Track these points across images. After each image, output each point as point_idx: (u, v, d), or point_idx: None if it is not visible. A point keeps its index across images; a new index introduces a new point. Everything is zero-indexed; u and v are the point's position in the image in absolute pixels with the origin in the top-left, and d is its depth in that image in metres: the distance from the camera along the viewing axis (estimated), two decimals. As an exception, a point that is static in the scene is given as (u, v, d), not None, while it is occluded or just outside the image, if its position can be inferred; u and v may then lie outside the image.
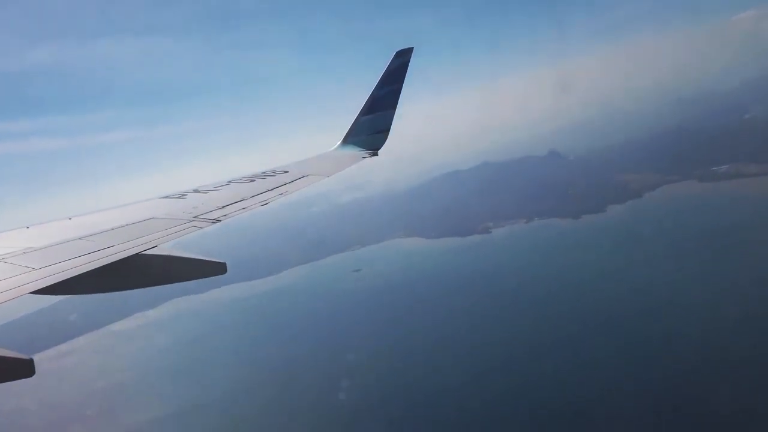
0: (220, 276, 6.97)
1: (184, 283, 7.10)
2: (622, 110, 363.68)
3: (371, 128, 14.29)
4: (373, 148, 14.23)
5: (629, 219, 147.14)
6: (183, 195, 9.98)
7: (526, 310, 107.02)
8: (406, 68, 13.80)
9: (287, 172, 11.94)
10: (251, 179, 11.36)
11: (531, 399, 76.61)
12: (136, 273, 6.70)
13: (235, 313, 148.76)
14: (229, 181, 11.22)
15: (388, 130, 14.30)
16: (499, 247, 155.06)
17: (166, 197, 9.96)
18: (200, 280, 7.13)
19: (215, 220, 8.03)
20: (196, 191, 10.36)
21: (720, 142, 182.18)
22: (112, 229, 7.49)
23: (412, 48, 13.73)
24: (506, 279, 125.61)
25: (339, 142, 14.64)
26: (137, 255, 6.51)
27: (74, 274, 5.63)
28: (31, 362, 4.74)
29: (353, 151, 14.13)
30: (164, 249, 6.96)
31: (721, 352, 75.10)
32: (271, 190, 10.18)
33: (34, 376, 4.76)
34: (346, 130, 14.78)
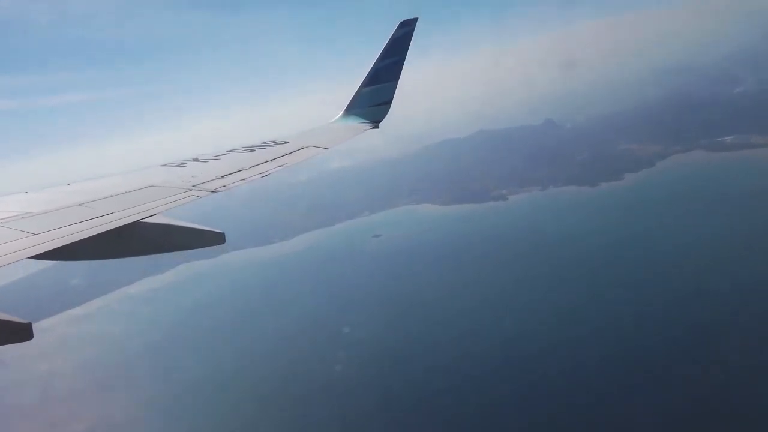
0: (228, 242, 7.20)
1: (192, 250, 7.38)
2: (612, 80, 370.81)
3: (373, 100, 14.15)
4: (375, 120, 14.16)
5: (650, 186, 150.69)
6: (182, 163, 10.08)
7: (563, 277, 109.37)
8: (410, 39, 13.50)
9: (287, 143, 11.90)
10: (251, 149, 11.36)
11: (552, 366, 78.28)
12: (134, 240, 6.85)
13: (257, 276, 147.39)
14: (229, 151, 11.24)
15: (390, 102, 14.12)
16: (521, 214, 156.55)
17: (165, 165, 10.08)
18: (206, 247, 7.33)
19: (214, 191, 8.19)
20: (195, 160, 10.44)
21: (715, 113, 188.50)
22: (111, 196, 7.59)
23: (417, 18, 13.45)
24: (537, 245, 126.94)
25: (340, 114, 14.55)
26: (136, 222, 6.64)
27: (73, 240, 5.67)
28: (29, 326, 4.95)
29: (354, 123, 14.11)
30: (163, 217, 7.08)
31: (739, 312, 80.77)
32: (271, 161, 10.22)
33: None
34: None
